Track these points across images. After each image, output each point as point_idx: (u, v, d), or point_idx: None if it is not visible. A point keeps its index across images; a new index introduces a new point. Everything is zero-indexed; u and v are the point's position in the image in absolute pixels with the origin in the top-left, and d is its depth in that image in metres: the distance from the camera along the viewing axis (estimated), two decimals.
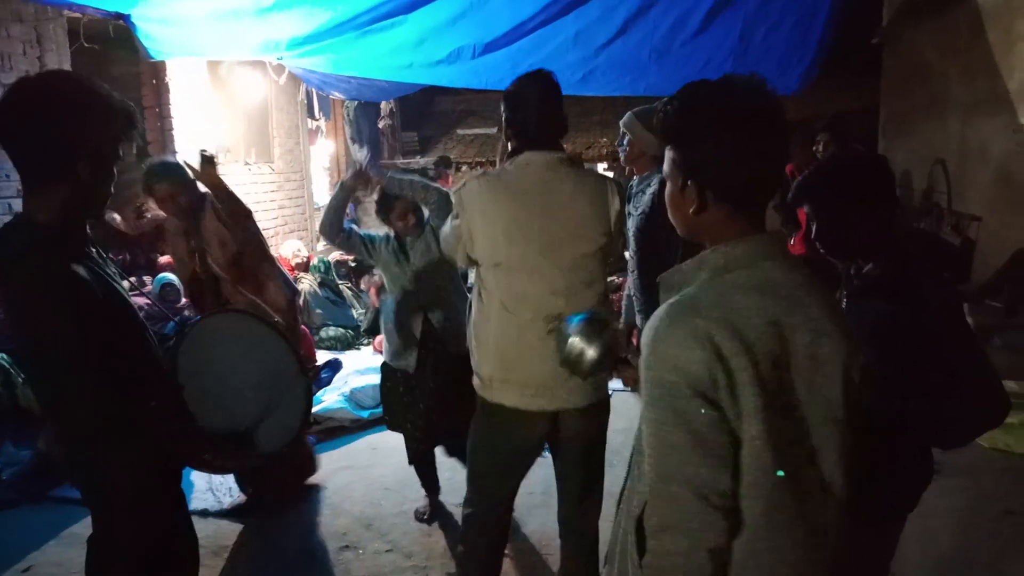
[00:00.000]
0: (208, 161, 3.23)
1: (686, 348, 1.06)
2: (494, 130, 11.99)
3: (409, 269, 3.18)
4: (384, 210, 3.16)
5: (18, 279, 1.54)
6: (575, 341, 1.92)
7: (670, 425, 1.08)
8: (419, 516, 3.43)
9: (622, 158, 3.31)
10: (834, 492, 1.17)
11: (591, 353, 1.91)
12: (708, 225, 1.19)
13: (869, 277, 1.75)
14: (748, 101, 1.14)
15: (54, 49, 4.97)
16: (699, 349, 1.05)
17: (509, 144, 2.28)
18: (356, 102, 9.16)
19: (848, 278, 1.83)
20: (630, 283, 3.29)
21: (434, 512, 3.45)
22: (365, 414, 4.64)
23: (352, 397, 4.70)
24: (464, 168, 11.69)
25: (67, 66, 5.08)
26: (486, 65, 4.76)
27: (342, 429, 4.53)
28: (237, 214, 3.37)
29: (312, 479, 3.78)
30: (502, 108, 2.27)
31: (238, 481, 3.57)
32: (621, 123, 3.18)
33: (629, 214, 3.12)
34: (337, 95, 8.53)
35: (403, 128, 11.36)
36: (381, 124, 10.03)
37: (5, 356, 4.05)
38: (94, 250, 1.70)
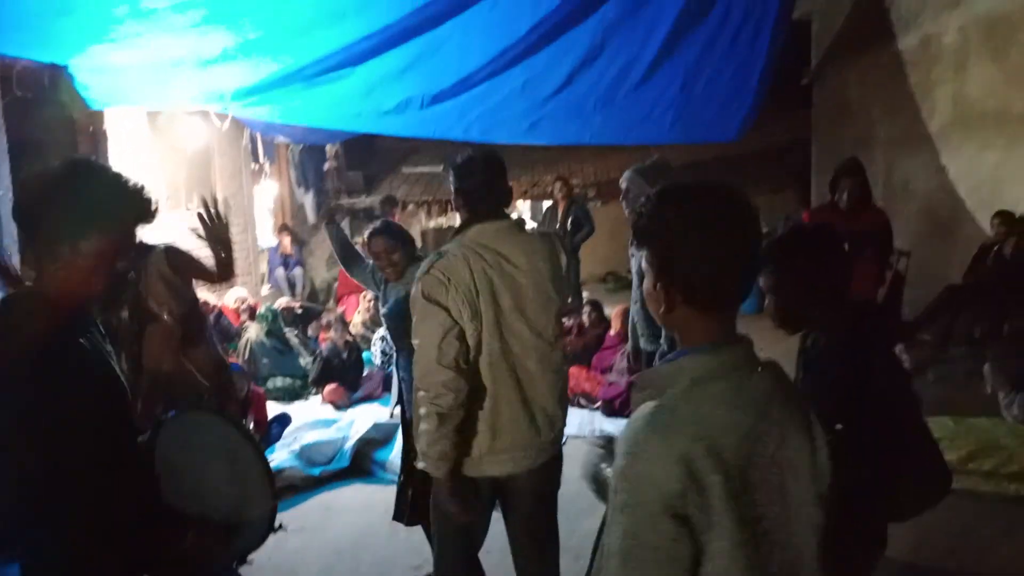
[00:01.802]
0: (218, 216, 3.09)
1: (661, 465, 1.08)
2: (439, 168, 12.00)
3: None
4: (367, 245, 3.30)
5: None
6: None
7: (638, 538, 1.10)
8: None
9: (626, 211, 3.95)
10: None
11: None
12: (677, 323, 1.22)
13: (819, 349, 1.81)
14: (719, 208, 1.17)
15: None
16: (674, 467, 1.07)
17: (458, 214, 2.39)
18: (301, 145, 9.09)
19: (803, 349, 1.89)
20: (633, 312, 4.08)
21: None
22: (316, 471, 4.50)
23: (302, 454, 4.57)
24: (411, 207, 11.66)
25: None
26: (435, 115, 4.79)
27: (293, 488, 4.39)
28: (202, 275, 3.29)
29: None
30: (451, 179, 2.35)
31: None
32: (623, 180, 3.86)
33: (632, 254, 3.55)
34: (282, 139, 8.46)
35: (348, 167, 11.29)
36: (326, 166, 9.96)
37: None
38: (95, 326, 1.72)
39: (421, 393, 2.16)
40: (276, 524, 2.25)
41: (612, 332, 6.15)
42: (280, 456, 4.58)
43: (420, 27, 4.03)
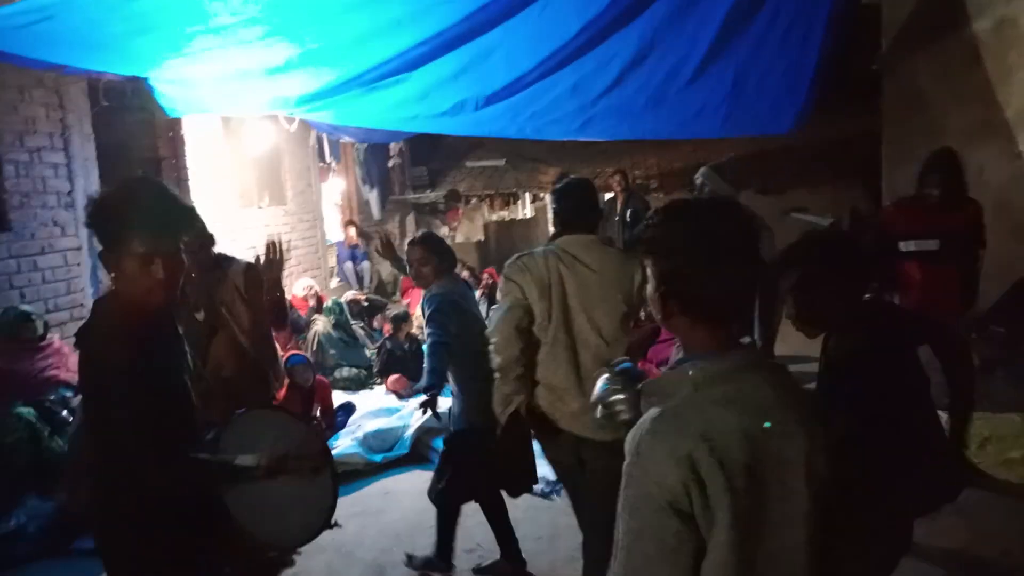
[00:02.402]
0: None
1: (666, 465, 1.16)
2: (502, 161, 12.14)
3: None
4: None
5: (87, 340, 1.85)
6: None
7: (644, 535, 1.19)
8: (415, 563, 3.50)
9: None
10: None
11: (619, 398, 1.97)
12: (677, 331, 1.30)
13: (840, 353, 1.86)
14: (719, 227, 1.23)
15: (75, 111, 5.18)
16: (678, 466, 1.15)
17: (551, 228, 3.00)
18: (366, 143, 9.38)
19: (824, 349, 1.94)
20: None
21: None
22: (378, 458, 4.75)
23: (365, 441, 4.82)
24: (473, 201, 11.84)
25: (88, 126, 5.29)
26: (488, 115, 4.91)
27: (356, 473, 4.64)
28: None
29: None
30: (549, 199, 3.03)
31: None
32: (699, 176, 4.06)
33: None
34: (347, 139, 8.75)
35: (412, 163, 11.56)
36: (390, 163, 10.24)
37: (31, 410, 4.20)
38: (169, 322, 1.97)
39: (491, 350, 2.69)
40: (333, 521, 2.40)
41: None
42: (344, 443, 4.85)
43: (471, 33, 4.15)
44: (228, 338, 3.37)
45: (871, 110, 9.41)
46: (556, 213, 2.92)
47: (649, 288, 1.34)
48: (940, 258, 4.01)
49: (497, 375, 2.67)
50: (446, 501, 3.38)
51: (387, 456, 4.80)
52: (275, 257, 3.30)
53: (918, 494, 1.81)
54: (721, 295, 1.25)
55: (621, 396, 1.94)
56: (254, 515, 2.09)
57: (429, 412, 3.22)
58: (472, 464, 3.24)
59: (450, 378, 3.31)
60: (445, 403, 3.47)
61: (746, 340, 1.36)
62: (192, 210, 1.93)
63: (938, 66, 7.77)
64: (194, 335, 3.26)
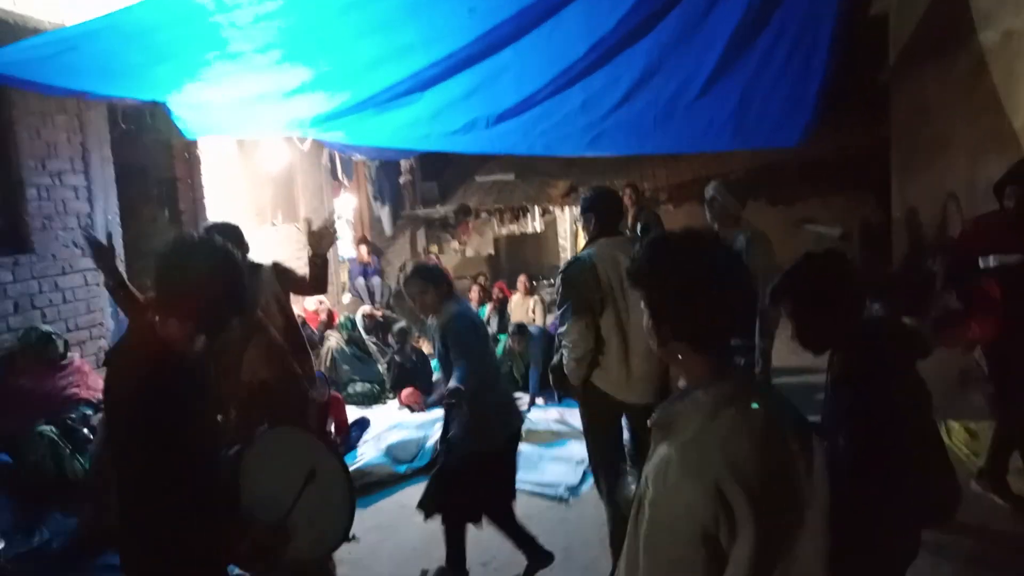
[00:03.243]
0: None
1: (694, 496, 1.22)
2: (512, 176, 12.22)
3: None
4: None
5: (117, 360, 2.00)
6: None
7: (671, 567, 1.25)
8: None
9: (708, 217, 4.28)
10: None
11: None
12: (673, 358, 1.36)
13: (836, 370, 1.91)
14: (703, 260, 1.31)
15: (95, 135, 5.30)
16: (707, 496, 1.21)
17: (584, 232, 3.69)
18: (377, 161, 9.49)
19: (830, 367, 1.99)
20: None
21: None
22: (402, 468, 4.93)
23: (389, 452, 5.00)
24: (484, 215, 11.93)
25: (107, 149, 5.41)
26: (499, 133, 4.98)
27: (377, 485, 4.77)
28: (297, 286, 3.60)
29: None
30: (580, 207, 3.65)
31: None
32: (710, 190, 4.22)
33: None
34: (359, 157, 8.86)
35: (423, 179, 11.67)
36: (402, 179, 10.36)
37: (53, 429, 4.28)
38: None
39: (565, 342, 3.32)
40: (351, 535, 2.46)
41: None
42: (370, 454, 5.02)
43: (482, 54, 4.24)
44: (264, 341, 3.44)
45: (880, 121, 9.45)
46: (591, 219, 3.51)
47: (644, 318, 1.41)
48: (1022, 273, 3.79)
49: (573, 364, 3.31)
50: (449, 520, 3.45)
51: (411, 466, 4.96)
52: (328, 230, 3.48)
53: (918, 508, 1.84)
54: (708, 321, 1.31)
55: None
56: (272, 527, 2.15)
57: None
58: (472, 485, 3.35)
59: None
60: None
61: (740, 362, 1.42)
62: (246, 294, 2.02)
63: (946, 77, 7.80)
64: (231, 341, 3.35)
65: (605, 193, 3.68)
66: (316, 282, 3.72)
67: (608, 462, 3.51)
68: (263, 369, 3.53)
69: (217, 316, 1.95)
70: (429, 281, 3.46)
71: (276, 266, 3.66)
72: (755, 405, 1.32)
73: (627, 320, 3.27)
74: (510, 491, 3.56)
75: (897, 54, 8.95)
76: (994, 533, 3.59)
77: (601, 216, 3.51)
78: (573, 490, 4.52)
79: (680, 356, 1.36)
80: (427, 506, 3.50)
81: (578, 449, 4.71)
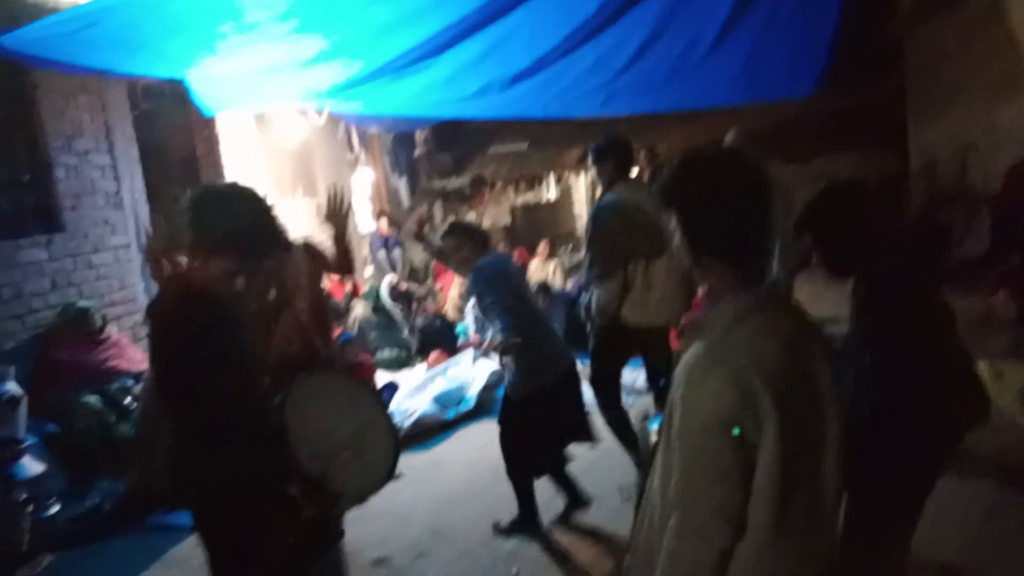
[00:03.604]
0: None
1: (720, 391, 1.31)
2: (525, 145, 12.22)
3: None
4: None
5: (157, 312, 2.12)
6: None
7: (703, 458, 1.34)
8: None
9: None
10: (835, 497, 1.43)
11: None
12: (706, 274, 1.45)
13: (859, 294, 1.98)
14: (731, 173, 1.38)
15: (117, 114, 5.41)
16: (731, 392, 1.30)
17: (600, 179, 3.99)
18: (392, 133, 9.56)
19: (854, 292, 2.07)
20: None
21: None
22: (451, 415, 5.25)
23: (438, 401, 5.29)
24: (499, 185, 11.96)
25: (130, 128, 5.52)
26: (514, 96, 5.04)
27: (428, 432, 5.05)
28: (327, 267, 3.62)
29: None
30: (592, 159, 4.00)
31: None
32: (730, 137, 4.46)
33: None
34: (375, 129, 8.93)
35: (438, 150, 11.70)
36: (417, 152, 10.42)
37: (96, 398, 4.45)
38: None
39: (598, 288, 3.72)
40: (396, 472, 2.58)
41: (700, 294, 6.28)
42: (420, 405, 5.25)
43: (493, 16, 4.27)
44: (294, 316, 3.54)
45: (894, 73, 9.34)
46: (609, 165, 3.83)
47: (676, 236, 1.47)
48: None
49: (603, 303, 3.71)
50: (514, 473, 3.52)
51: (457, 411, 5.27)
52: (339, 205, 3.45)
53: (943, 424, 1.92)
54: (738, 232, 1.39)
55: None
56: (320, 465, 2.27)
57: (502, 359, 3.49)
58: (533, 432, 3.40)
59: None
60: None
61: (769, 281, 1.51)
62: (282, 230, 2.15)
63: (960, 23, 7.72)
64: (265, 315, 3.45)
65: (618, 139, 3.94)
66: (342, 262, 3.68)
67: (611, 378, 3.93)
68: (295, 340, 3.61)
69: (253, 249, 2.06)
70: (465, 237, 3.53)
71: (307, 246, 3.65)
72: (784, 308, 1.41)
73: (650, 256, 3.68)
74: (573, 432, 3.57)
75: (909, 4, 8.83)
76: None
77: (619, 160, 3.84)
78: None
79: (712, 272, 1.43)
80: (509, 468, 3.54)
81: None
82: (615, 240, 3.69)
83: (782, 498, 1.35)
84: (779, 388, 1.31)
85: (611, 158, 3.85)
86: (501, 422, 3.53)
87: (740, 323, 1.37)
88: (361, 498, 2.43)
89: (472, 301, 6.90)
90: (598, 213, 3.79)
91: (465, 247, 3.51)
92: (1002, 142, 7.30)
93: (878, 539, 1.98)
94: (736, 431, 1.29)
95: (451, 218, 9.87)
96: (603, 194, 3.95)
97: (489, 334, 3.55)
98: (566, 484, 3.64)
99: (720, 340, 1.37)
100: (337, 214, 3.42)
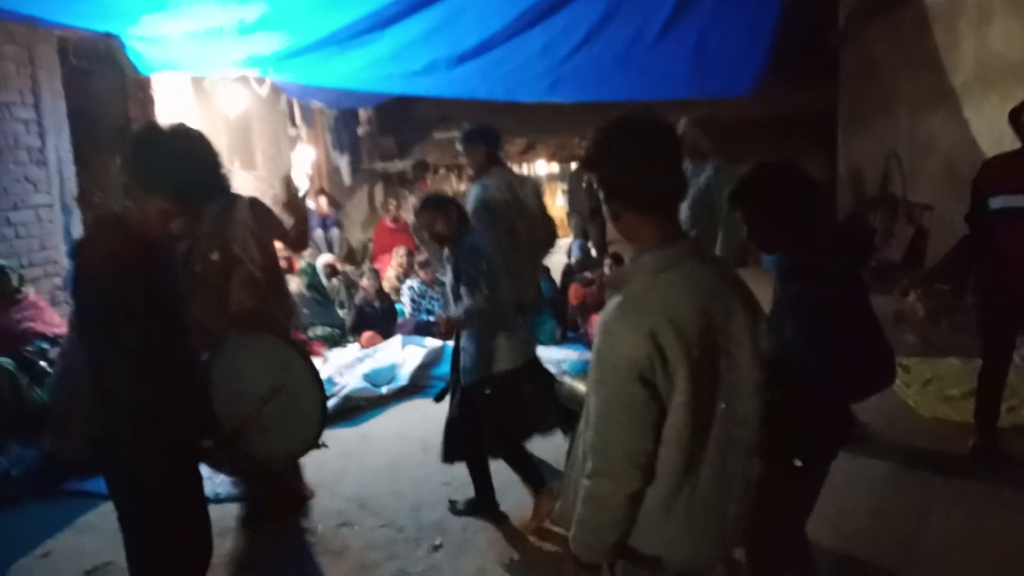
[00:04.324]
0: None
1: (632, 340, 1.37)
2: None
3: None
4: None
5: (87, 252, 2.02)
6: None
7: (614, 402, 1.41)
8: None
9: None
10: (750, 444, 1.50)
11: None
12: (627, 229, 1.51)
13: (787, 265, 2.09)
14: (642, 132, 1.46)
15: (45, 68, 5.18)
16: (643, 340, 1.36)
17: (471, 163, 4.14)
18: (336, 110, 9.41)
19: (778, 265, 2.17)
20: None
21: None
22: (382, 390, 5.24)
23: (368, 378, 5.28)
24: (441, 171, 11.94)
25: (58, 84, 5.29)
26: (460, 75, 5.05)
27: (360, 408, 5.05)
28: (280, 235, 3.60)
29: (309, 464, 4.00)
30: (462, 144, 4.09)
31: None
32: (681, 126, 4.34)
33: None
34: (317, 104, 8.78)
35: (380, 133, 11.60)
36: (360, 131, 10.29)
37: (10, 361, 4.27)
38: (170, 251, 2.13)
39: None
40: (320, 441, 2.55)
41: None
42: (351, 381, 5.23)
43: None
44: (244, 274, 3.44)
45: (830, 82, 9.72)
46: (482, 149, 3.98)
47: (600, 198, 1.54)
48: None
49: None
50: (470, 457, 3.46)
51: (390, 387, 5.28)
52: (294, 195, 3.48)
53: (855, 381, 2.05)
54: (654, 186, 1.46)
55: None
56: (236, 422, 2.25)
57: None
58: (487, 416, 3.36)
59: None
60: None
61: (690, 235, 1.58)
62: (226, 177, 2.09)
63: (891, 35, 8.08)
64: (212, 276, 3.37)
65: (486, 126, 4.10)
66: (299, 240, 3.66)
67: None
68: (249, 300, 3.54)
69: (195, 193, 1.99)
70: (438, 210, 3.40)
71: (253, 201, 3.57)
72: (703, 261, 1.47)
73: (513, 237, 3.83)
74: (534, 422, 3.49)
75: (847, 14, 9.20)
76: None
77: (492, 144, 3.98)
78: None
79: (633, 226, 1.50)
80: (451, 454, 3.50)
81: None
82: (497, 236, 3.70)
83: (690, 448, 1.43)
84: (690, 340, 1.38)
85: (483, 141, 3.97)
86: (451, 406, 3.50)
87: (659, 275, 1.44)
88: (286, 458, 2.41)
89: (408, 282, 6.90)
90: (478, 209, 3.83)
91: (439, 220, 3.38)
92: (923, 153, 7.68)
93: (784, 501, 2.08)
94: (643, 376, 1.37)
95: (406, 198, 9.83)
96: (475, 179, 4.08)
97: (452, 310, 3.43)
98: (524, 467, 3.48)
99: (638, 292, 1.43)
100: (295, 200, 3.48)
